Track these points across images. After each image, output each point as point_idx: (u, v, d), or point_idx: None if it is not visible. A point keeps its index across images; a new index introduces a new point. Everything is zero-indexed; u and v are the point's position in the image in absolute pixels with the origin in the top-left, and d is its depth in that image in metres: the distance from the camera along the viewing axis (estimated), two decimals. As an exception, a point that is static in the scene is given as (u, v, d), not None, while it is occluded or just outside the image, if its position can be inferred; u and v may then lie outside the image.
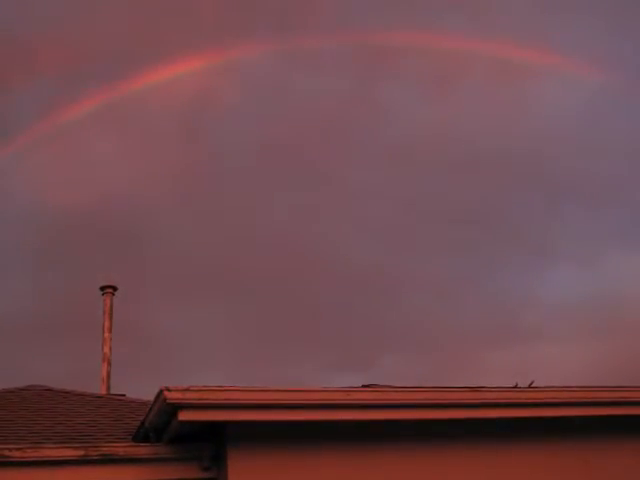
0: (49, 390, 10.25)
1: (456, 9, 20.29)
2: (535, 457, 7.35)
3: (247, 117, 21.47)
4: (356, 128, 22.27)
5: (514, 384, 8.09)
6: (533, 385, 8.18)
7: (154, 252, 22.26)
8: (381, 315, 23.99)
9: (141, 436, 6.99)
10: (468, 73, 21.75)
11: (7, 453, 6.34)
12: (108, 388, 12.88)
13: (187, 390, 6.17)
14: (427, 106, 22.38)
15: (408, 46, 19.33)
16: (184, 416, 6.19)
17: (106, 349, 13.16)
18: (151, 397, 6.58)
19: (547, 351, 22.39)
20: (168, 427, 6.51)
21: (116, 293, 13.52)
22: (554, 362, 20.29)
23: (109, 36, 19.15)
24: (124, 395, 11.30)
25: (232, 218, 22.80)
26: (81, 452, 6.47)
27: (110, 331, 13.27)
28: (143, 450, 6.68)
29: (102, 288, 13.46)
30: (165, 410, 6.29)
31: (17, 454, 6.35)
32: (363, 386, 7.87)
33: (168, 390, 6.15)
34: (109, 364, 13.15)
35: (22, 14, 18.95)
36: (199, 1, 19.32)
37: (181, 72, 18.47)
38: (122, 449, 6.62)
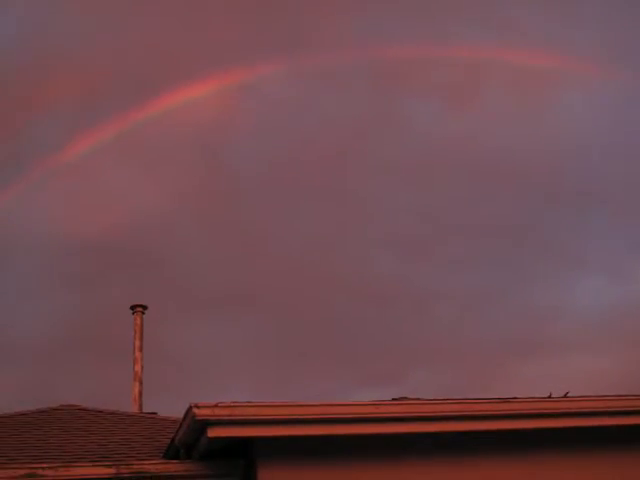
0: (81, 409, 10.31)
1: (471, 19, 20.25)
2: (568, 468, 7.24)
3: (264, 136, 21.59)
4: (375, 143, 22.23)
5: (548, 394, 7.99)
6: (567, 395, 8.07)
7: (181, 272, 22.40)
8: (410, 329, 23.88)
9: (171, 453, 7.02)
10: (486, 83, 21.67)
11: (40, 472, 6.42)
12: (140, 407, 12.93)
13: (216, 406, 6.18)
14: (446, 118, 22.32)
15: (424, 58, 19.32)
16: (213, 432, 6.20)
17: (137, 368, 13.22)
18: (182, 415, 6.60)
19: (579, 362, 22.10)
20: (198, 444, 6.53)
21: (146, 312, 13.61)
22: (586, 373, 20.01)
23: (124, 62, 19.42)
24: (156, 413, 11.35)
25: (254, 236, 22.89)
26: (113, 470, 6.53)
27: (141, 350, 13.35)
28: (173, 467, 6.72)
29: (132, 307, 13.55)
30: (194, 427, 6.31)
31: (50, 473, 6.43)
32: (393, 399, 7.82)
33: (197, 407, 6.17)
34: (140, 383, 13.21)
35: (39, 43, 19.30)
36: (212, 23, 19.50)
37: (197, 95, 18.63)
38: (153, 466, 6.67)
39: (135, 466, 6.62)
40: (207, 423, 6.20)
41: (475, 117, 21.93)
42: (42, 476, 6.40)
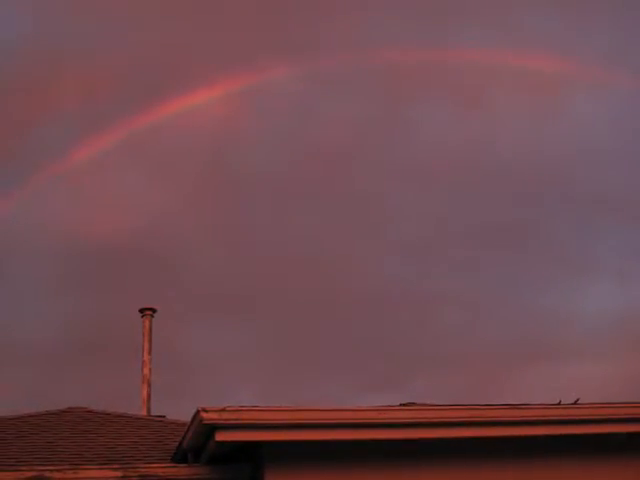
0: (90, 412, 10.34)
1: (479, 24, 20.21)
2: (578, 475, 7.22)
3: (271, 140, 21.58)
4: (381, 147, 22.18)
5: (557, 401, 7.96)
6: (578, 402, 8.03)
7: (190, 275, 22.45)
8: (416, 333, 23.84)
9: (179, 457, 7.03)
10: (494, 88, 21.60)
11: (47, 475, 6.44)
12: (148, 410, 12.95)
13: (223, 410, 6.19)
14: (452, 122, 22.27)
15: (433, 62, 19.29)
16: (221, 436, 6.21)
17: (146, 371, 13.24)
18: (190, 418, 6.61)
19: (586, 368, 22.00)
20: (205, 448, 6.54)
21: (155, 315, 13.63)
22: (594, 379, 19.91)
23: (130, 67, 19.49)
24: (164, 416, 11.37)
25: (261, 240, 22.91)
26: (119, 473, 6.54)
27: (150, 353, 13.36)
28: (181, 471, 6.72)
29: (141, 310, 13.58)
30: (202, 431, 6.32)
31: (57, 475, 6.45)
32: (401, 405, 7.81)
33: (204, 411, 6.18)
34: (149, 386, 13.23)
35: (43, 48, 19.38)
36: (217, 27, 19.50)
37: (203, 99, 18.66)
38: (160, 470, 6.68)
39: (142, 469, 6.64)
40: (215, 427, 6.21)
41: (481, 121, 21.93)
42: (49, 478, 6.42)
